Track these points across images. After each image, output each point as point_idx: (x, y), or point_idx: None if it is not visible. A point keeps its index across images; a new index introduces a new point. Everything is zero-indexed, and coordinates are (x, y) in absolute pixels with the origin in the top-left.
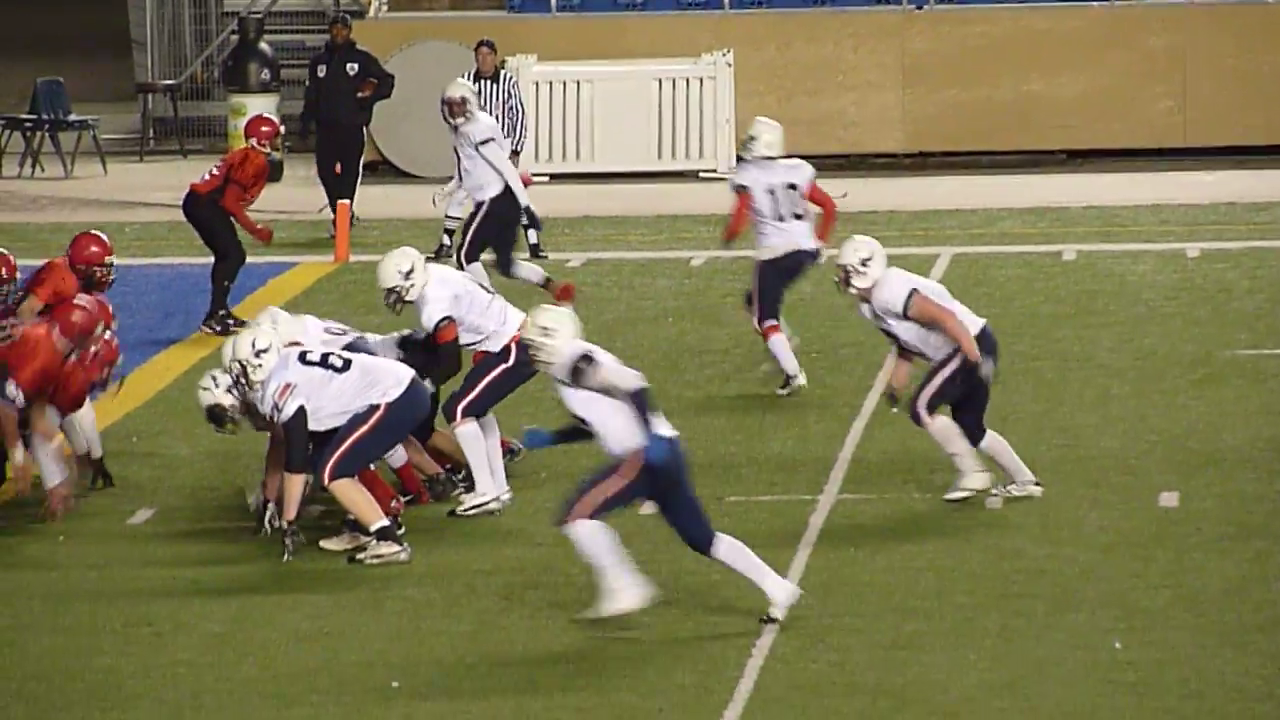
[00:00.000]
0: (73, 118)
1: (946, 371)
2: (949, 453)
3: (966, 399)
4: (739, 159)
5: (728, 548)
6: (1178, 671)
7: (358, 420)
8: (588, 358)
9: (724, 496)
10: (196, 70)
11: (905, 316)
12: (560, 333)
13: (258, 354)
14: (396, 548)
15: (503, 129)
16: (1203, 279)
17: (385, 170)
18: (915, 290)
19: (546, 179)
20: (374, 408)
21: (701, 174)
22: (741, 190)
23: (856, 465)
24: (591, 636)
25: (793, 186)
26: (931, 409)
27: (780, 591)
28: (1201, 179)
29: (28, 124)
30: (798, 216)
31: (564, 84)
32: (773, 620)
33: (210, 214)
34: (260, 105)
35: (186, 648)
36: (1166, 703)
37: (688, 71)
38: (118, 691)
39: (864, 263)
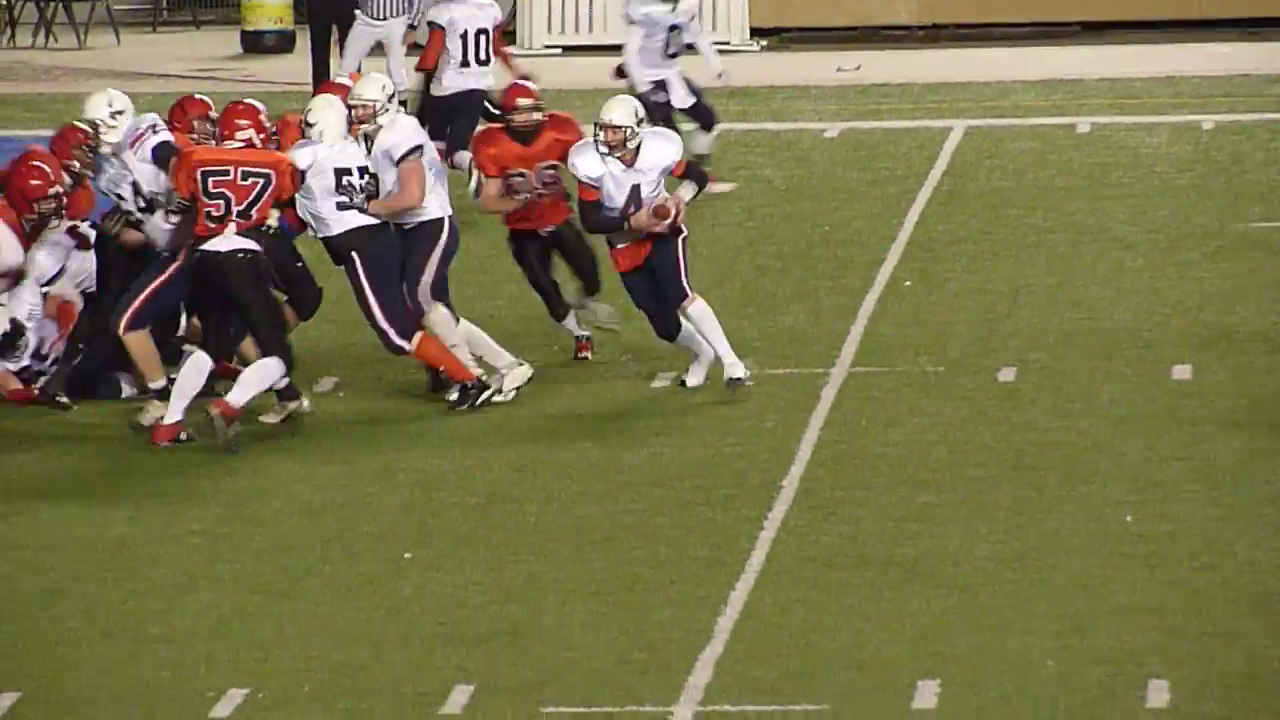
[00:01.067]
0: None
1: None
2: (451, 344)
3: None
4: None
5: None
6: (1189, 544)
7: (155, 268)
8: None
9: None
10: None
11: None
12: None
13: (113, 115)
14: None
15: (396, 8)
16: (1217, 151)
17: None
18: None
19: (560, 51)
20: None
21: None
22: (435, 28)
23: (869, 338)
24: (604, 509)
25: (484, 32)
26: (434, 296)
27: None
28: (1217, 51)
29: None
30: (481, 61)
31: None
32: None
33: None
34: None
35: (199, 519)
36: (1177, 575)
37: None
38: (130, 561)
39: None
